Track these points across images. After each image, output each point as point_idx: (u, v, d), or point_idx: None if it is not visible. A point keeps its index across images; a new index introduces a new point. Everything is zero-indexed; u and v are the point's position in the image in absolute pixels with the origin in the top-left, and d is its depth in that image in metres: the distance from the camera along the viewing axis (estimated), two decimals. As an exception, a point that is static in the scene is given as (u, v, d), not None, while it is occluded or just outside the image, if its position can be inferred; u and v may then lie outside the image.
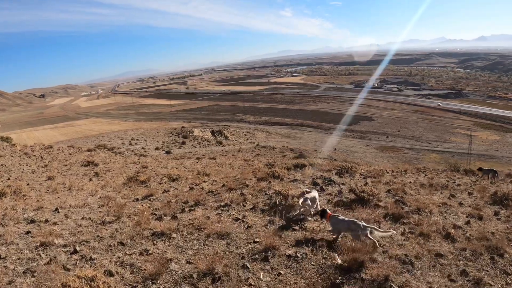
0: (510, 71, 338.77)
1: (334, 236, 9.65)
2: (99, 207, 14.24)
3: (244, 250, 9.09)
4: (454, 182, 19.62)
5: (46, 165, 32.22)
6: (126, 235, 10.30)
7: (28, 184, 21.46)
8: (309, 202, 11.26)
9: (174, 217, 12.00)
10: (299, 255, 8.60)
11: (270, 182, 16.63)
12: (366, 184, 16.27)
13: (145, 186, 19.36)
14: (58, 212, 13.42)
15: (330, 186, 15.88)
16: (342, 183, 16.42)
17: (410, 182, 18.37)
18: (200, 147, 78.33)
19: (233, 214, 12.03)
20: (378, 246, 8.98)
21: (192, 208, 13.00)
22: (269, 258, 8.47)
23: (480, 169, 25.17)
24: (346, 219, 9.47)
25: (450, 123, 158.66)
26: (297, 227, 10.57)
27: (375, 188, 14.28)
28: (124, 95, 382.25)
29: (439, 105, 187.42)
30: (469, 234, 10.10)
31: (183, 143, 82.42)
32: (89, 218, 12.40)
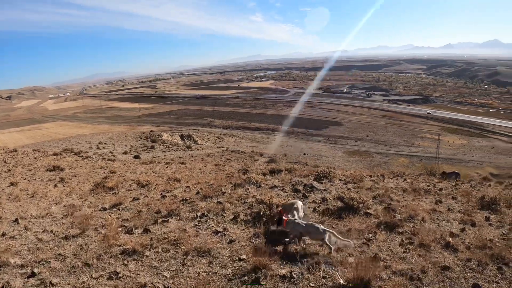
0: (476, 78, 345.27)
1: (293, 240, 9.38)
2: (62, 218, 12.98)
3: (230, 270, 8.07)
4: (435, 187, 19.01)
5: (9, 170, 30.83)
6: (92, 253, 9.05)
7: (-12, 191, 20.17)
8: (294, 212, 10.40)
9: (146, 230, 10.82)
10: (294, 275, 7.65)
11: (247, 189, 15.75)
12: (349, 190, 15.45)
13: (113, 193, 18.22)
14: (18, 223, 12.23)
15: (312, 193, 14.98)
16: (324, 189, 15.57)
17: (392, 188, 17.67)
18: (169, 151, 77.08)
19: (212, 226, 11.02)
20: (332, 253, 8.68)
21: (166, 219, 11.84)
22: (261, 280, 7.47)
23: (443, 173, 24.98)
24: (304, 222, 9.10)
25: (418, 128, 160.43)
26: (285, 240, 9.58)
27: (360, 194, 13.48)
28: (93, 98, 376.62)
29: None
30: (468, 242, 9.57)
31: (152, 147, 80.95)
32: (51, 231, 11.11)
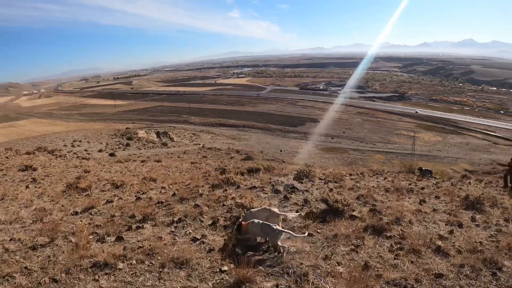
0: (451, 76, 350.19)
1: (250, 241, 9.30)
2: (32, 223, 12.11)
3: (210, 284, 7.33)
4: (417, 185, 18.80)
5: (-21, 171, 29.81)
6: (61, 267, 8.15)
7: (-45, 195, 19.21)
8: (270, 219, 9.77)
9: (119, 237, 9.98)
10: (281, 290, 7.02)
11: (226, 190, 15.09)
12: (331, 190, 15.04)
13: (86, 195, 17.36)
14: (-15, 230, 11.33)
15: (293, 194, 14.40)
16: (306, 190, 15.04)
17: (374, 187, 17.32)
18: (145, 149, 76.50)
19: (189, 233, 10.23)
20: (285, 254, 8.43)
21: (140, 225, 11.05)
22: (245, 296, 6.85)
23: (420, 169, 25.01)
24: (260, 222, 9.05)
25: (394, 124, 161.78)
26: (266, 246, 9.08)
27: (345, 195, 13.12)
28: (67, 95, 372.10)
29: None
30: (458, 246, 9.22)
31: (128, 145, 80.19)
32: (19, 239, 10.19)
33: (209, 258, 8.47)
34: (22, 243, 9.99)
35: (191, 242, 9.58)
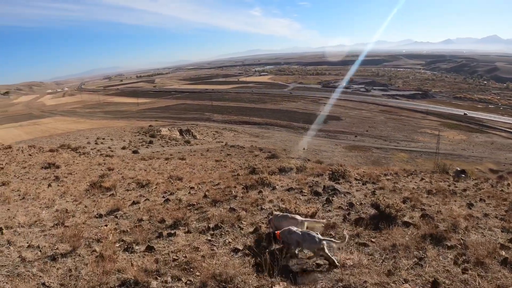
0: (476, 73, 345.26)
1: (285, 249, 8.25)
2: (53, 227, 11.15)
3: (264, 311, 6.20)
4: (456, 187, 17.70)
5: (2, 168, 29.56)
6: (84, 284, 6.97)
7: (-23, 192, 18.51)
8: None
9: (149, 247, 8.76)
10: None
11: (261, 192, 14.07)
12: (373, 193, 14.05)
13: (110, 195, 16.55)
14: (2, 233, 10.37)
15: (335, 196, 13.29)
16: (347, 192, 13.93)
17: (414, 188, 16.22)
18: (168, 146, 76.51)
19: (229, 242, 9.03)
20: (337, 264, 7.61)
21: (172, 232, 9.84)
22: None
23: (463, 170, 24.21)
24: (300, 230, 8.22)
25: (418, 123, 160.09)
26: (321, 261, 7.84)
27: (395, 199, 11.99)
28: (91, 93, 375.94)
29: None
30: None
31: (151, 142, 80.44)
32: (38, 247, 9.11)
33: (255, 274, 7.25)
34: (41, 251, 8.94)
35: (232, 253, 8.41)
